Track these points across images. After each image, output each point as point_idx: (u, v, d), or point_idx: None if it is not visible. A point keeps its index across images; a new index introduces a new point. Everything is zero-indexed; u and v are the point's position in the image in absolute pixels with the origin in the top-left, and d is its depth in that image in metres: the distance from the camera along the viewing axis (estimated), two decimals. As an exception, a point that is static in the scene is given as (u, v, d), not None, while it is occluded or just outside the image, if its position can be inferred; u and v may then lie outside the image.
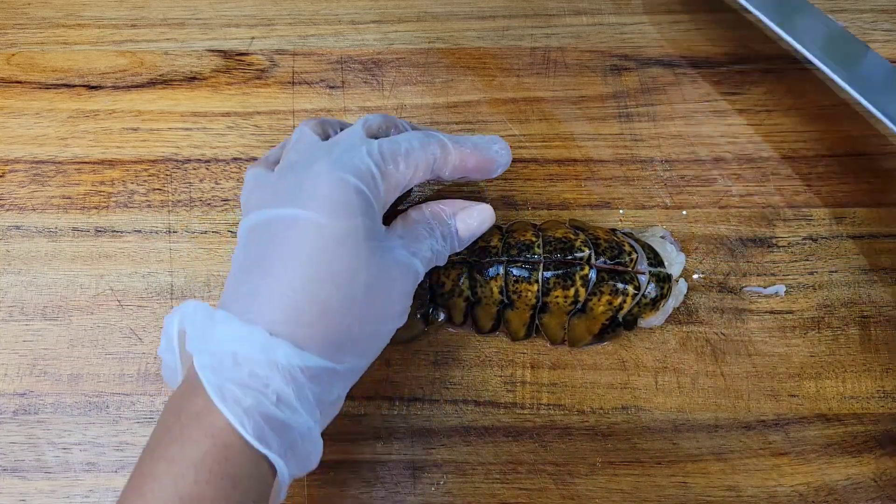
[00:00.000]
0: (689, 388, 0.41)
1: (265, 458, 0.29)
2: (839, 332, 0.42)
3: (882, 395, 0.41)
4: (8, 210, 0.44)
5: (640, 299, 0.39)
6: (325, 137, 0.36)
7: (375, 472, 0.40)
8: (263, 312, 0.30)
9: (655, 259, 0.40)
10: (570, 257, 0.38)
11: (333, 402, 0.33)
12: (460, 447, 0.40)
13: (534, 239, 0.39)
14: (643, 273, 0.39)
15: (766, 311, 0.42)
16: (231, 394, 0.28)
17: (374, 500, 0.39)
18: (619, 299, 0.38)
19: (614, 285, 0.38)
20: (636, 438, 0.41)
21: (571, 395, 0.41)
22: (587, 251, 0.39)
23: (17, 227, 0.43)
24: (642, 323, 0.40)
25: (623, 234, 0.41)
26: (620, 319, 0.39)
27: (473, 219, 0.37)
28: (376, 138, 0.35)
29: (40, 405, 0.41)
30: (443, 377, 0.41)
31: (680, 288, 0.40)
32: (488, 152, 0.37)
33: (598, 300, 0.38)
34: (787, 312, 0.42)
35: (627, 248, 0.39)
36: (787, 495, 0.40)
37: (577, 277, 0.38)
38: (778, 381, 0.41)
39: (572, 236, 0.39)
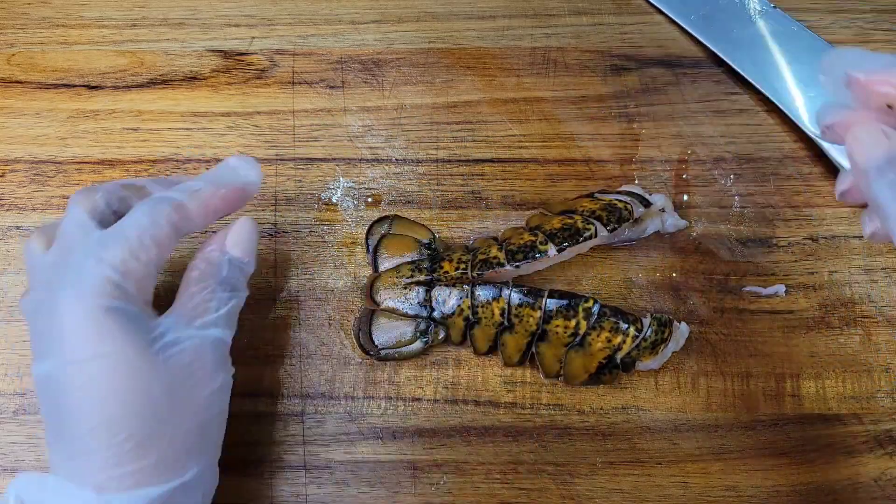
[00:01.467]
0: (689, 388, 0.41)
1: None
2: (839, 332, 0.42)
3: (882, 395, 0.41)
4: (8, 210, 0.44)
5: (640, 343, 0.38)
6: (100, 217, 0.33)
7: (375, 472, 0.40)
8: (85, 473, 0.30)
9: (643, 202, 0.41)
10: (580, 238, 0.38)
11: None
12: (460, 447, 0.40)
13: (533, 238, 0.39)
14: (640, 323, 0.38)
15: (766, 311, 0.42)
16: None
17: (375, 500, 0.39)
18: (619, 338, 0.38)
19: (616, 323, 0.38)
20: (636, 438, 0.41)
21: (571, 395, 0.41)
22: (592, 227, 0.38)
23: (17, 227, 0.43)
24: (640, 366, 0.40)
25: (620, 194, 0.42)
26: (618, 361, 0.39)
27: (242, 237, 0.34)
28: (111, 215, 0.33)
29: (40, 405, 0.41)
30: (443, 377, 0.41)
31: (681, 331, 0.40)
32: (233, 181, 0.34)
33: (598, 336, 0.38)
34: (787, 312, 0.42)
35: (621, 205, 0.40)
36: (787, 495, 0.40)
37: (581, 309, 0.38)
38: (778, 381, 0.41)
39: (570, 221, 0.39)
